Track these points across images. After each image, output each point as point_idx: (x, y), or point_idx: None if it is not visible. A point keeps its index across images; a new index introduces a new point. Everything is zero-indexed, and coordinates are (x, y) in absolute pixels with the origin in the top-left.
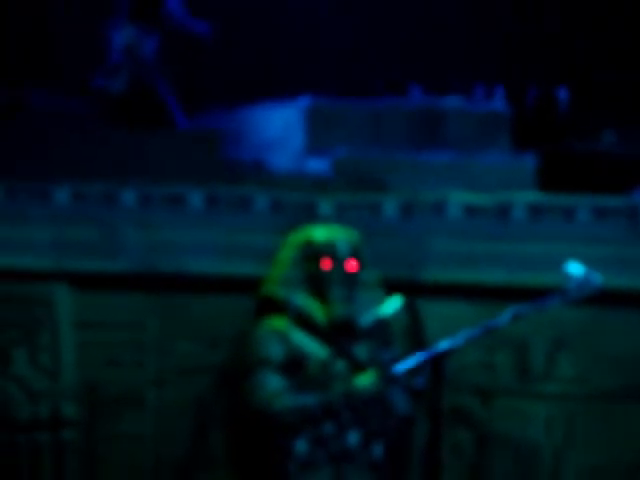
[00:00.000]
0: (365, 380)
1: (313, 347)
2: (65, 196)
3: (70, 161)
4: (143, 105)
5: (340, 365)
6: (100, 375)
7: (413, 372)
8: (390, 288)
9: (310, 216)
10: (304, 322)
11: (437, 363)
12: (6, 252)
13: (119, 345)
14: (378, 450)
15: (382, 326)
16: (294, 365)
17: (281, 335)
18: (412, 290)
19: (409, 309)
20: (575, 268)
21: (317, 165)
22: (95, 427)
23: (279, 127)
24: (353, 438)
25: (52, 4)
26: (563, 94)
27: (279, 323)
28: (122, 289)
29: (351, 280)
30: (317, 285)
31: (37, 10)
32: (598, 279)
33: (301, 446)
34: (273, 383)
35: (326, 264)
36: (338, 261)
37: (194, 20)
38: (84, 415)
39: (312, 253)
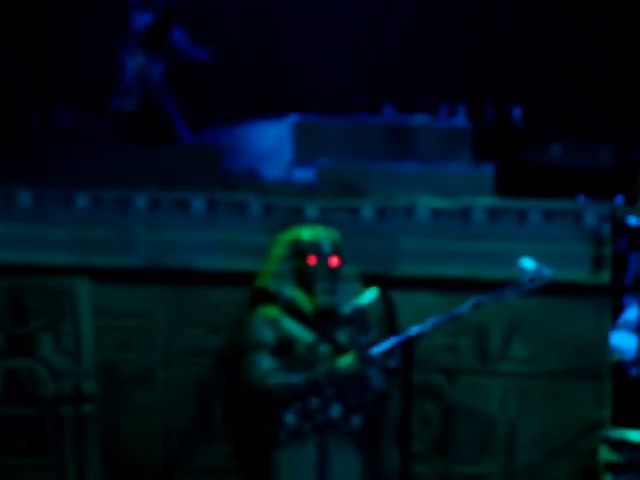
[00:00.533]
0: (346, 361)
1: (301, 332)
2: (85, 201)
3: (90, 171)
4: (152, 122)
5: (324, 348)
6: (115, 356)
7: (387, 354)
8: (367, 281)
9: (298, 218)
10: (293, 310)
11: (408, 346)
12: (34, 250)
13: (132, 330)
14: (357, 421)
15: (360, 314)
16: (284, 348)
17: (273, 322)
18: (386, 283)
19: (384, 299)
20: (527, 263)
21: (304, 174)
22: (111, 402)
23: (271, 141)
24: (335, 411)
25: (75, 36)
26: (517, 112)
27: (271, 311)
28: (134, 282)
29: (333, 274)
30: (304, 278)
31: (65, 42)
32: (547, 273)
33: (290, 418)
34: (266, 363)
35: (312, 260)
36: (322, 257)
37: (196, 48)
38: (102, 391)
39: (300, 250)
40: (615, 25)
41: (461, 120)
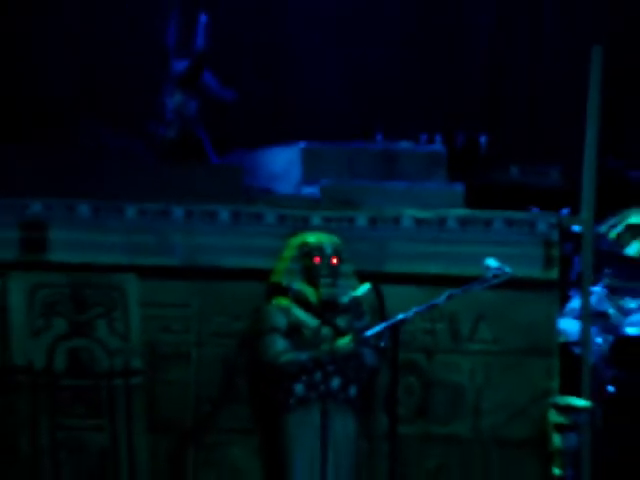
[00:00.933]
0: (344, 342)
1: (307, 318)
2: (133, 212)
3: (137, 186)
4: (188, 148)
5: (326, 331)
6: (157, 338)
7: (378, 336)
8: (361, 277)
9: (305, 226)
10: (301, 301)
11: (395, 329)
12: (91, 252)
13: (171, 318)
14: (353, 391)
15: (356, 303)
16: (293, 331)
17: (284, 310)
18: (377, 278)
19: (375, 292)
20: (491, 262)
21: (310, 190)
22: (154, 375)
23: (283, 163)
24: (335, 382)
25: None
26: (483, 140)
27: (283, 302)
28: (173, 278)
29: (334, 271)
30: (310, 275)
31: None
32: (508, 270)
33: (299, 388)
34: (279, 344)
35: (316, 260)
36: (325, 258)
37: (223, 88)
38: (146, 366)
39: (307, 252)
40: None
41: (437, 146)
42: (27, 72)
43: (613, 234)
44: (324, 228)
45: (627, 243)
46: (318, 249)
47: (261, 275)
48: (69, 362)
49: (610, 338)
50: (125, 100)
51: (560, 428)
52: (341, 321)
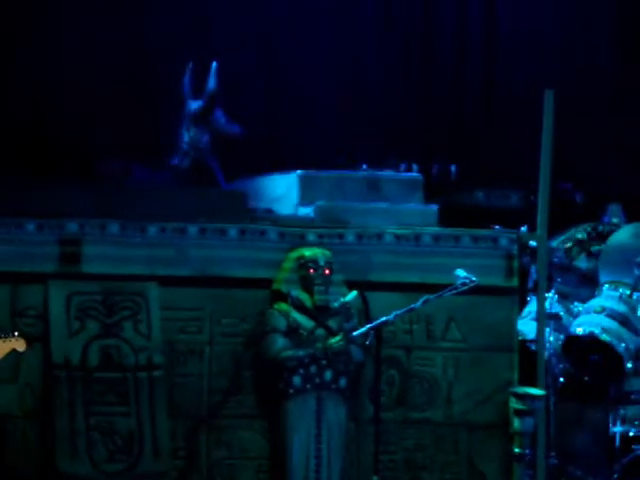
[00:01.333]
0: (335, 340)
1: (304, 321)
2: (155, 230)
3: (158, 208)
4: (201, 176)
5: (320, 331)
6: (176, 337)
7: (364, 335)
8: (350, 285)
9: (302, 242)
10: (298, 306)
11: (378, 330)
12: (120, 264)
13: (187, 319)
14: (343, 382)
15: (345, 308)
16: (292, 331)
17: (284, 313)
18: (363, 286)
19: (361, 297)
20: (460, 272)
21: (306, 211)
22: (173, 369)
23: (282, 188)
24: (328, 375)
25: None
26: (453, 168)
27: (283, 306)
28: (188, 286)
29: (327, 280)
30: (306, 283)
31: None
32: (474, 279)
33: (296, 380)
34: (280, 342)
35: (311, 271)
36: (319, 269)
37: (231, 124)
38: (166, 361)
39: (303, 264)
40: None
41: (415, 174)
42: (66, 112)
43: (563, 248)
44: (318, 243)
45: (575, 256)
46: (313, 261)
47: (264, 283)
48: (101, 358)
49: (561, 337)
50: (148, 136)
51: (519, 413)
52: (333, 323)
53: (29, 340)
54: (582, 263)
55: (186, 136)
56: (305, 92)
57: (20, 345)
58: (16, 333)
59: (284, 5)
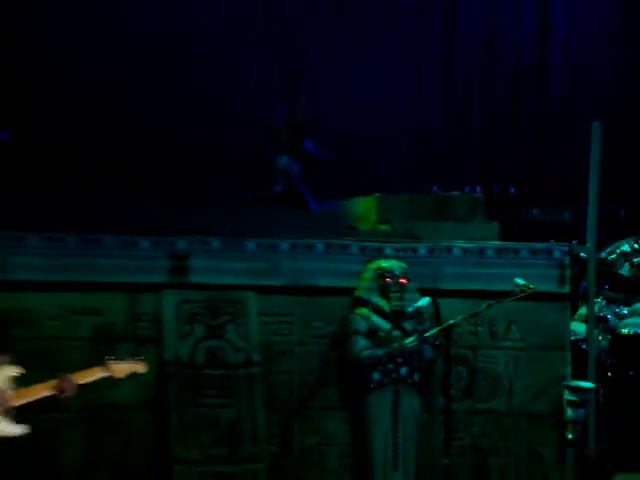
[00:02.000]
0: (410, 341)
1: (382, 323)
2: (252, 245)
3: (255, 228)
4: (293, 199)
5: (396, 333)
6: (271, 339)
7: (435, 336)
8: (422, 292)
9: (380, 255)
10: (377, 310)
11: (448, 331)
12: (222, 276)
13: (280, 323)
14: (417, 377)
15: (419, 312)
16: (372, 333)
17: (365, 317)
18: (434, 293)
19: (433, 303)
20: (519, 281)
21: (383, 228)
22: (268, 367)
23: (363, 208)
24: (403, 371)
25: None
26: (512, 189)
27: (364, 311)
28: (282, 294)
29: (402, 288)
30: (384, 291)
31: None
32: (531, 286)
33: (376, 376)
34: (361, 343)
35: (389, 280)
36: (395, 278)
37: (320, 152)
38: (263, 360)
39: (381, 274)
40: None
41: (478, 194)
42: (177, 139)
43: (610, 259)
44: (394, 256)
45: (620, 265)
46: (390, 272)
47: (347, 291)
48: (206, 357)
49: (609, 337)
50: (245, 163)
51: (572, 404)
52: (407, 325)
53: (144, 341)
54: (626, 272)
55: (279, 163)
56: (381, 129)
57: (141, 368)
58: (138, 358)
59: (359, 56)
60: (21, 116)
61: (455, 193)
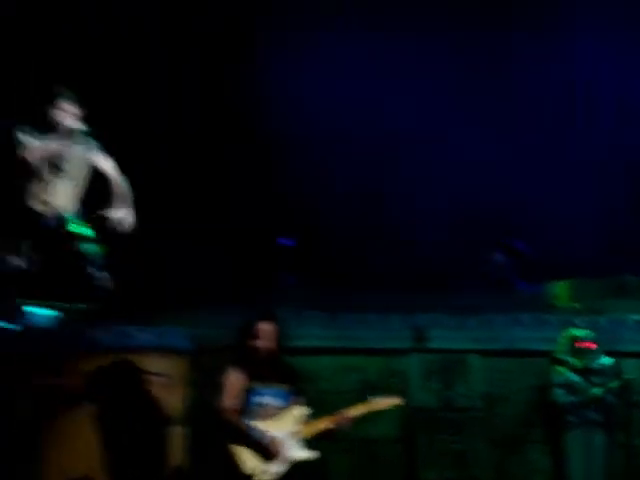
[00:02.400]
0: (597, 391)
1: (576, 378)
2: (474, 320)
3: (475, 307)
4: (502, 280)
5: (587, 385)
6: (490, 390)
7: (618, 388)
8: (607, 353)
9: (572, 325)
10: (572, 368)
11: (627, 383)
12: (453, 341)
13: (498, 379)
14: (603, 419)
15: (604, 368)
16: (568, 386)
17: (562, 373)
18: (616, 355)
19: (614, 362)
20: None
21: (575, 304)
22: (490, 411)
23: (559, 290)
24: (593, 414)
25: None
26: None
27: (561, 369)
28: (499, 356)
29: (589, 350)
30: (576, 353)
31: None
32: None
33: (572, 418)
34: (559, 393)
35: (581, 344)
36: (585, 342)
37: (526, 248)
38: (484, 406)
39: (575, 339)
40: None
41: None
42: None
43: None
44: (583, 326)
45: None
46: (581, 339)
47: (548, 354)
48: (443, 403)
49: None
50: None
51: None
52: (595, 379)
53: (396, 392)
54: None
55: (496, 261)
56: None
57: (398, 401)
58: (395, 395)
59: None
60: (306, 225)
61: (632, 277)
